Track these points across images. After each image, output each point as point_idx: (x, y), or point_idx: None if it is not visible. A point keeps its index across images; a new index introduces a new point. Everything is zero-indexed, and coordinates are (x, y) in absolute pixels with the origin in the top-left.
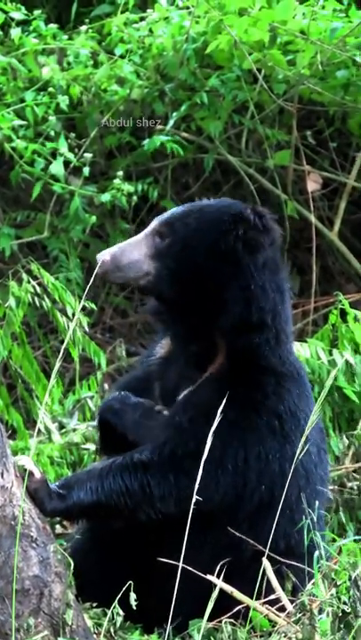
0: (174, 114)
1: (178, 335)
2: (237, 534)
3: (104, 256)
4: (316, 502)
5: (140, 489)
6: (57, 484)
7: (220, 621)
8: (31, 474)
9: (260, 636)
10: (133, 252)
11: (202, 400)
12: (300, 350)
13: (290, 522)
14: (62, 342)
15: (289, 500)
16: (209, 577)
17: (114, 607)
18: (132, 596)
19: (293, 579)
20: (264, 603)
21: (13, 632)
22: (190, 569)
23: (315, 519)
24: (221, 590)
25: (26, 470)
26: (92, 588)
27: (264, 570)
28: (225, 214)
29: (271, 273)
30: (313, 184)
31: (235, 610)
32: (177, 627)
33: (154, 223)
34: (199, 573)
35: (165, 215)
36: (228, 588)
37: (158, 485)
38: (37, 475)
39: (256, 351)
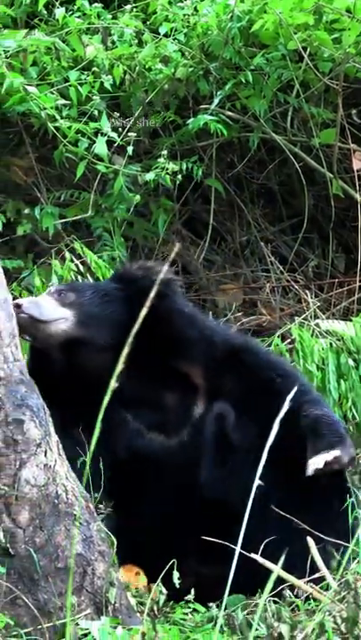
0: (219, 92)
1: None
2: None
3: (22, 302)
4: None
5: None
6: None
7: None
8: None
9: (305, 614)
10: (44, 301)
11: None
12: (345, 329)
13: None
14: None
15: None
16: (253, 556)
17: (157, 585)
18: (175, 574)
19: (338, 557)
20: (308, 581)
21: (68, 609)
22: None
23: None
24: (264, 568)
25: None
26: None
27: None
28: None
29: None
30: (359, 162)
31: (279, 588)
32: (220, 605)
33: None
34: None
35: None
36: (271, 566)
37: None
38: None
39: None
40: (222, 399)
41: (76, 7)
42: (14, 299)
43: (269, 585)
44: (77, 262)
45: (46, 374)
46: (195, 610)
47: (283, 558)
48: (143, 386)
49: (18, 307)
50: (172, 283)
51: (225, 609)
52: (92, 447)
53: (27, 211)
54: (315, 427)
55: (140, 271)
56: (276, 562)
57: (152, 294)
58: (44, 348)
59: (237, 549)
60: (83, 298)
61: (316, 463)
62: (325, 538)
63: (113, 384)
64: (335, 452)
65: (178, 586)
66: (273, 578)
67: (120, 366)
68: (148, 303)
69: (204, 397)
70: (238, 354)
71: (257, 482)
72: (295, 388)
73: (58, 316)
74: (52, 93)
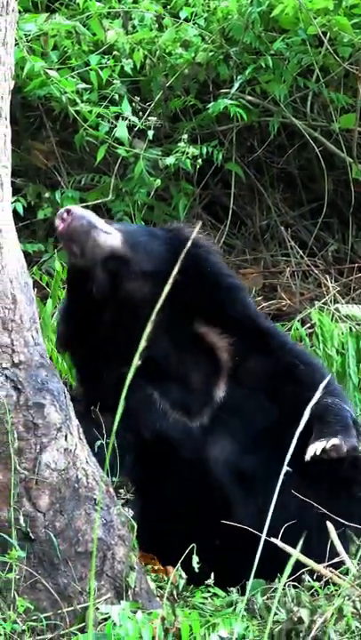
0: (239, 77)
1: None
2: None
3: (73, 208)
4: None
5: None
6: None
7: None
8: None
9: (324, 599)
10: (93, 214)
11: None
12: None
13: None
14: None
15: None
16: (273, 540)
17: (177, 569)
18: (195, 558)
19: (357, 541)
20: (328, 566)
21: (91, 594)
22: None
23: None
24: (284, 553)
25: None
26: (155, 551)
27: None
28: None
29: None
30: None
31: (298, 573)
32: (239, 589)
33: None
34: (265, 537)
35: None
36: (291, 550)
37: None
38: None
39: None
40: (244, 382)
41: None
42: (35, 283)
43: (288, 569)
44: None
45: (83, 305)
46: (214, 594)
47: (303, 543)
48: (170, 357)
49: (68, 212)
50: (207, 241)
51: (245, 593)
52: (118, 420)
53: (47, 194)
54: (323, 414)
55: (178, 226)
56: (296, 547)
57: (189, 242)
58: (86, 266)
59: (263, 537)
60: (128, 227)
61: (313, 450)
62: (346, 523)
63: (138, 360)
64: (334, 441)
65: (197, 570)
66: (291, 562)
67: (152, 323)
68: (187, 244)
69: (227, 378)
70: (266, 336)
71: (285, 469)
72: (319, 378)
73: (108, 229)
74: (73, 77)
